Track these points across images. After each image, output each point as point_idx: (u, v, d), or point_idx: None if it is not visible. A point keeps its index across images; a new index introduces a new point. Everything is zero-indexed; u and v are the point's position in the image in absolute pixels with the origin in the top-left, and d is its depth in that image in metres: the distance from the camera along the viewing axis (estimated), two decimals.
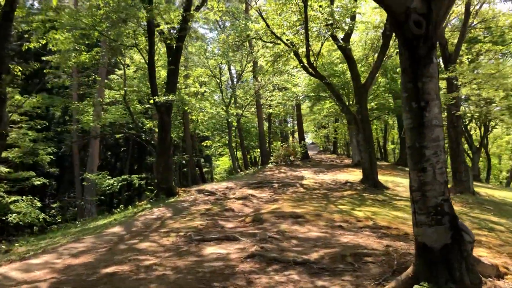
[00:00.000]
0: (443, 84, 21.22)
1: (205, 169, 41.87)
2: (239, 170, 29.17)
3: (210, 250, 7.43)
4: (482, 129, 35.97)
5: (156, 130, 20.26)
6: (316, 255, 6.65)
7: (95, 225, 12.98)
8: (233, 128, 32.14)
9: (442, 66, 19.68)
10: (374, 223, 9.52)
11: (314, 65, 18.29)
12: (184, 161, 30.33)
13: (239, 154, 38.23)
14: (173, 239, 8.59)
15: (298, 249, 7.14)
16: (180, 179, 32.16)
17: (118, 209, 17.38)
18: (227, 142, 39.49)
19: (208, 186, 18.36)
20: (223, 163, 45.72)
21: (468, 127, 35.90)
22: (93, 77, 19.21)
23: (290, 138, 47.84)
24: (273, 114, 36.12)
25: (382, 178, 19.15)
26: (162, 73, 23.30)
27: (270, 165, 27.23)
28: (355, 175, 22.17)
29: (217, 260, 6.63)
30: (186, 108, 22.76)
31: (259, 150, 40.01)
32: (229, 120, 28.47)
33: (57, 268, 6.77)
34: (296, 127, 45.09)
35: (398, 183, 19.23)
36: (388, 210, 12.22)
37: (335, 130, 44.86)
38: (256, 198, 14.90)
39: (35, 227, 19.92)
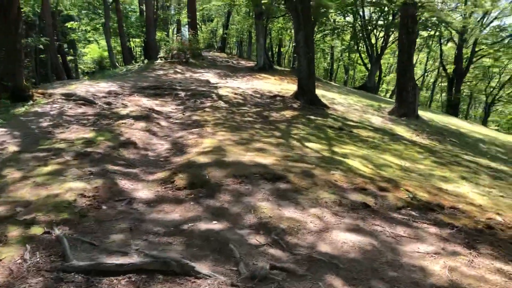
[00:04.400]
0: None
1: (69, 58, 33.55)
2: (117, 65, 22.76)
3: None
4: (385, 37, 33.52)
5: None
6: None
7: None
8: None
9: None
10: (413, 196, 5.32)
11: None
12: (41, 46, 22.61)
13: (113, 42, 30.75)
14: (14, 255, 3.34)
15: None
16: (36, 70, 24.23)
17: None
18: (98, 26, 31.62)
19: (80, 88, 12.33)
20: (92, 51, 37.39)
21: (371, 35, 33.32)
22: None
23: (171, 30, 40.97)
24: None
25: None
26: None
27: (159, 61, 21.31)
28: (273, 84, 17.85)
29: None
30: None
31: (139, 40, 32.95)
32: None
33: None
34: (182, 16, 38.07)
35: (331, 99, 15.43)
36: (377, 152, 8.19)
37: (225, 25, 39.12)
38: (163, 116, 9.66)
39: None
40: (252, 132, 8.32)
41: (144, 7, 25.50)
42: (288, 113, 11.21)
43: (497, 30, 34.16)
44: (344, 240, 3.93)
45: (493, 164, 9.42)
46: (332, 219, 4.40)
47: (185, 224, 4.07)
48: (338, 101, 15.41)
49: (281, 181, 5.27)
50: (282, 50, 41.66)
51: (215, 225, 4.04)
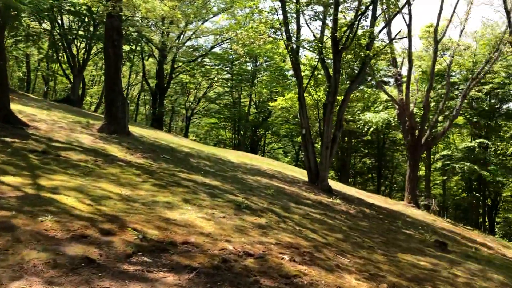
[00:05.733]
0: None
1: None
2: None
3: None
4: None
5: None
6: None
7: None
8: None
9: None
10: (143, 236, 4.62)
11: None
12: None
13: None
14: None
15: None
16: None
17: None
18: None
19: None
20: None
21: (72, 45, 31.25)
22: None
23: None
24: None
25: None
26: None
27: None
28: None
29: None
30: None
31: None
32: None
33: None
34: None
35: (31, 115, 13.32)
36: (92, 180, 7.15)
37: None
38: None
39: None
40: None
41: None
42: None
43: (191, 49, 37.55)
44: None
45: (207, 180, 9.74)
46: None
47: None
48: (40, 117, 13.43)
49: None
50: None
51: None
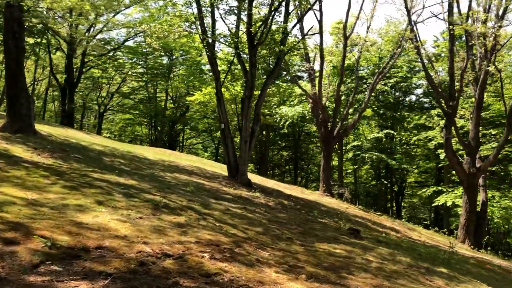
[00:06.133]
0: None
1: None
2: None
3: None
4: None
5: None
6: None
7: None
8: None
9: None
10: (51, 243, 4.31)
11: None
12: None
13: None
14: None
15: None
16: None
17: None
18: None
19: None
20: None
21: None
22: None
23: None
24: None
25: None
26: None
27: None
28: None
29: None
30: None
31: None
32: None
33: None
34: None
35: None
36: None
37: None
38: None
39: None
40: None
41: None
42: None
43: (103, 43, 35.82)
44: None
45: (122, 180, 9.37)
46: None
47: None
48: None
49: None
50: None
51: None
